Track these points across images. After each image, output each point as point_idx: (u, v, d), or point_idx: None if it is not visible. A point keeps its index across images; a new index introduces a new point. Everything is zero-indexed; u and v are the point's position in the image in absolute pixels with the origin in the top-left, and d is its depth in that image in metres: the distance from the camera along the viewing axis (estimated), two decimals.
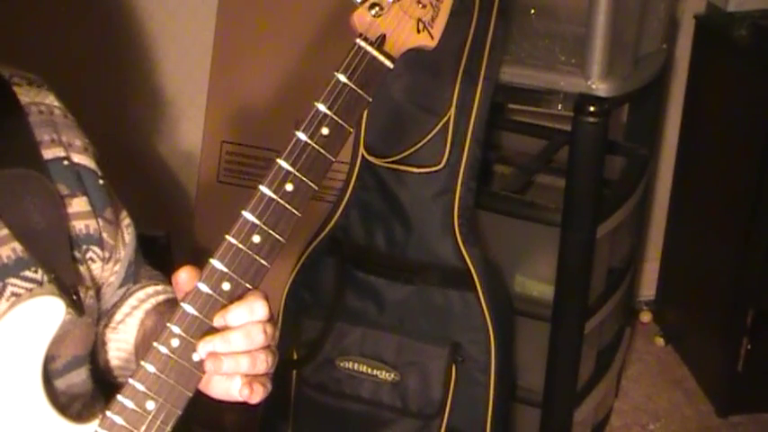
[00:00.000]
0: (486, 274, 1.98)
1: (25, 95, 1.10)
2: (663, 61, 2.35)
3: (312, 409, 2.08)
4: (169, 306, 1.16)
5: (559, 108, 2.14)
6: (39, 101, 1.11)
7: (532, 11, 2.10)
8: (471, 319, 1.97)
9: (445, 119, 1.94)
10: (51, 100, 1.12)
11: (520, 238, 2.19)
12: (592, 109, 1.97)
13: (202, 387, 1.01)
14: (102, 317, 1.19)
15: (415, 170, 1.97)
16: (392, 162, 1.98)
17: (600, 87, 2.02)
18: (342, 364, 2.03)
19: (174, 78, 2.47)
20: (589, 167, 2.01)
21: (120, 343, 1.17)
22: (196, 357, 0.98)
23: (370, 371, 2.01)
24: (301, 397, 2.08)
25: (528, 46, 2.11)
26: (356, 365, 2.02)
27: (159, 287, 1.22)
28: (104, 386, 1.16)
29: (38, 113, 1.09)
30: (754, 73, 2.39)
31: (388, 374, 2.00)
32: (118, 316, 1.18)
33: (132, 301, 1.19)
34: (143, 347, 1.13)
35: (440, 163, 1.95)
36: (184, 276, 0.99)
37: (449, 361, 1.97)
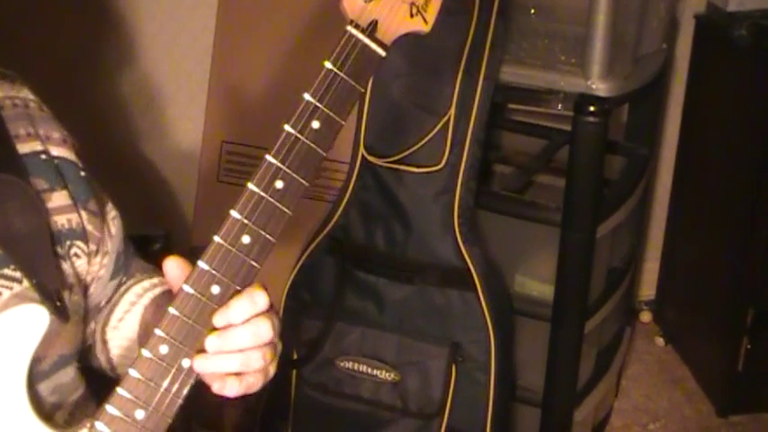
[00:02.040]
0: (486, 274, 1.98)
1: None
2: (663, 61, 2.35)
3: (312, 409, 2.08)
4: (167, 298, 1.12)
5: (559, 108, 2.14)
6: (13, 95, 1.08)
7: (532, 11, 2.10)
8: (471, 318, 1.97)
9: (445, 119, 1.94)
10: (26, 93, 1.09)
11: (520, 238, 2.19)
12: (592, 109, 1.97)
13: None
14: (96, 313, 1.17)
15: (415, 170, 1.97)
16: (392, 162, 1.98)
17: (600, 87, 2.02)
18: (342, 364, 2.03)
19: (174, 78, 2.48)
20: (589, 167, 2.01)
21: (122, 341, 1.15)
22: (186, 363, 0.95)
23: (370, 371, 2.01)
24: (301, 397, 2.08)
25: (528, 46, 2.11)
26: (356, 365, 2.02)
27: (155, 279, 1.19)
28: (97, 385, 1.14)
29: (12, 107, 1.06)
30: (754, 73, 2.39)
31: (388, 374, 2.00)
32: (117, 314, 1.16)
33: (130, 296, 1.16)
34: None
35: (440, 163, 1.95)
36: (172, 266, 0.96)
37: (449, 361, 1.97)
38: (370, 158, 2.00)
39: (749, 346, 2.48)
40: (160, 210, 2.50)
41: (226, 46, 2.35)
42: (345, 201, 2.03)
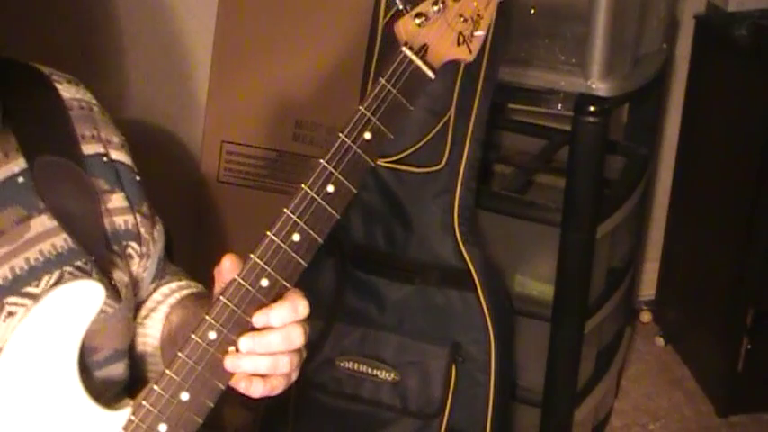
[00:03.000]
0: (486, 274, 1.98)
1: (66, 92, 1.12)
2: (663, 61, 2.35)
3: (312, 409, 2.08)
4: (193, 300, 1.17)
5: (559, 108, 2.14)
6: (79, 97, 1.13)
7: (532, 11, 2.10)
8: (471, 318, 1.97)
9: (445, 119, 1.94)
10: (90, 97, 1.15)
11: (520, 238, 2.19)
12: (592, 109, 1.97)
13: None
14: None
15: (416, 170, 1.97)
16: (392, 162, 1.98)
17: (600, 87, 2.02)
18: (342, 364, 2.03)
19: (174, 78, 2.48)
20: (589, 167, 2.01)
21: (145, 338, 1.18)
22: (232, 350, 0.99)
23: (370, 371, 2.01)
24: (301, 397, 2.08)
25: (528, 46, 2.11)
26: (356, 365, 2.02)
27: (183, 282, 1.23)
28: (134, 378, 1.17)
29: (79, 109, 1.12)
30: (754, 73, 2.39)
31: (388, 374, 2.00)
32: (143, 311, 1.20)
33: (157, 296, 1.21)
34: (169, 342, 1.15)
35: (440, 163, 1.95)
36: (228, 265, 1.00)
37: (449, 361, 1.97)
38: None
39: (749, 346, 2.48)
40: (160, 210, 2.50)
41: (226, 46, 2.35)
42: None
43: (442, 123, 1.94)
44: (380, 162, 1.99)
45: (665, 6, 2.29)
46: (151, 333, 1.18)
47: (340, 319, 2.03)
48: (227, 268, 1.00)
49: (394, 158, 1.97)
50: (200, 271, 1.23)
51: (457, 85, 1.93)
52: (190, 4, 2.41)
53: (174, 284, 1.22)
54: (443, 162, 1.95)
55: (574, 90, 2.04)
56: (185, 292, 1.20)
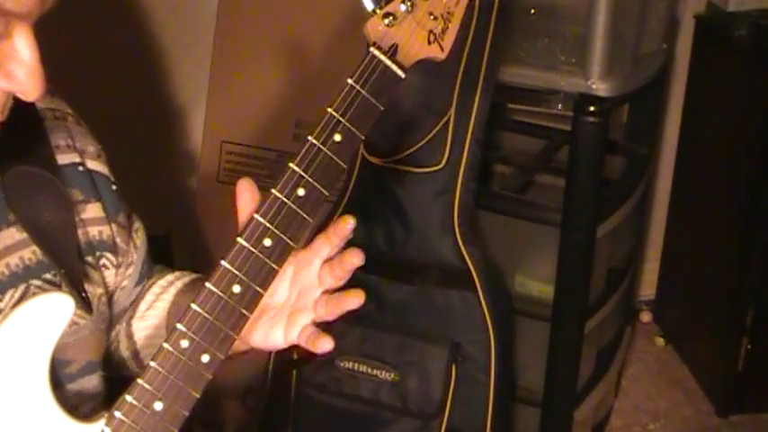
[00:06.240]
0: (486, 274, 1.98)
1: (40, 101, 1.09)
2: (663, 61, 2.35)
3: (312, 409, 2.08)
4: (192, 287, 1.16)
5: (559, 108, 2.14)
6: (54, 107, 1.11)
7: (532, 11, 2.10)
8: (471, 318, 1.97)
9: (445, 119, 1.94)
10: (64, 107, 1.13)
11: (520, 238, 2.19)
12: (592, 109, 1.97)
13: (244, 332, 1.02)
14: (120, 317, 1.20)
15: (415, 170, 1.97)
16: (392, 162, 1.98)
17: (600, 87, 2.02)
18: (342, 364, 2.03)
19: (174, 78, 2.48)
20: (589, 167, 2.01)
21: (148, 329, 1.17)
22: (205, 359, 0.98)
23: (370, 371, 2.01)
24: (301, 397, 2.08)
25: (528, 46, 2.11)
26: (356, 365, 2.02)
27: (177, 273, 1.22)
28: (118, 385, 1.15)
29: (53, 119, 1.10)
30: (754, 73, 2.39)
31: (387, 374, 2.00)
32: (143, 305, 1.19)
33: (155, 289, 1.20)
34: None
35: (440, 163, 1.95)
36: (244, 186, 1.04)
37: (449, 361, 1.97)
38: (370, 158, 2.00)
39: (749, 346, 2.48)
40: (161, 209, 2.50)
41: (226, 46, 2.35)
42: (345, 201, 2.03)
43: (442, 123, 1.94)
44: (380, 162, 1.99)
45: (664, 6, 2.29)
46: (154, 324, 1.17)
47: (340, 319, 2.03)
48: (246, 197, 1.03)
49: (394, 158, 1.98)
50: (200, 271, 1.23)
51: (457, 86, 1.94)
52: (190, 5, 2.41)
53: (169, 276, 1.21)
54: (443, 162, 1.95)
55: (574, 90, 2.04)
56: (187, 278, 1.20)
